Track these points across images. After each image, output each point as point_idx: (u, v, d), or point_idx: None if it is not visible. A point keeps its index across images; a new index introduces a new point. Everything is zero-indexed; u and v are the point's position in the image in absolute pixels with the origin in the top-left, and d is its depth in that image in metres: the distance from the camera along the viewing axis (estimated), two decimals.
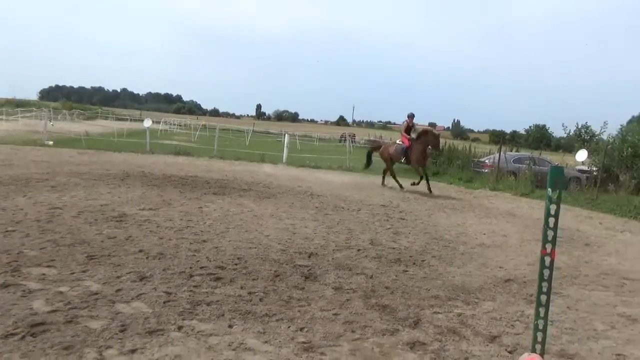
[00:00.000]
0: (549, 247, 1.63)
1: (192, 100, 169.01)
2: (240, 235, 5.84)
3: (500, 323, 3.81)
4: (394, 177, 13.24)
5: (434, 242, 6.50)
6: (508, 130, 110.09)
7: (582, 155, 14.99)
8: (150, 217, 6.29)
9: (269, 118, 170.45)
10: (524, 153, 23.72)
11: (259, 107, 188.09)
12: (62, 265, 4.17)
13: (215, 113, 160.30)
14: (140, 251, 4.75)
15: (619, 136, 17.07)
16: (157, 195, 7.99)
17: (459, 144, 24.18)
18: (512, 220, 9.09)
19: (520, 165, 17.89)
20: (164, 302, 3.54)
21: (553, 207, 1.60)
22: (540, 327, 1.63)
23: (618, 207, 12.03)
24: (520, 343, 3.40)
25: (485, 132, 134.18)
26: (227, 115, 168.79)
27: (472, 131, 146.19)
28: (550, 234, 1.62)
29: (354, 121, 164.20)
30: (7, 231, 5.04)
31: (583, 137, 21.42)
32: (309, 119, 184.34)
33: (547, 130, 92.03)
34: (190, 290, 3.84)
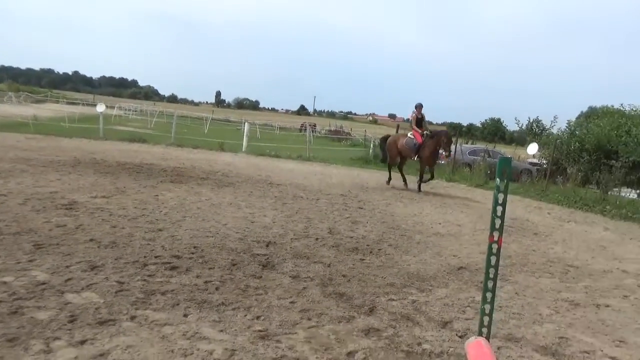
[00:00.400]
0: (496, 234, 1.69)
1: (148, 86, 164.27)
2: (197, 223, 5.76)
3: (452, 309, 3.94)
4: (389, 170, 12.63)
5: (390, 231, 6.62)
6: (465, 123, 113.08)
7: (533, 148, 15.61)
8: (103, 206, 6.09)
9: (228, 106, 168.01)
10: (479, 145, 24.48)
11: (218, 94, 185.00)
12: (7, 254, 3.98)
13: (173, 99, 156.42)
14: (92, 240, 4.60)
15: (567, 131, 17.84)
16: (110, 182, 7.74)
17: None
18: (467, 210, 9.36)
19: (475, 157, 18.45)
20: (116, 292, 3.44)
21: (501, 197, 1.65)
22: (487, 311, 1.69)
23: (565, 199, 12.62)
24: (471, 328, 3.52)
25: (444, 124, 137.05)
26: (185, 101, 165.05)
27: (431, 123, 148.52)
28: (498, 222, 1.68)
29: (315, 111, 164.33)
30: None
31: (535, 131, 22.25)
32: (270, 108, 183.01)
33: (501, 123, 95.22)
34: (144, 280, 3.76)
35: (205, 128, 32.97)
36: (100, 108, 18.14)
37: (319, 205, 7.99)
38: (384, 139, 13.16)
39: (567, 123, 18.66)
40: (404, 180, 12.27)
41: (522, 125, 22.31)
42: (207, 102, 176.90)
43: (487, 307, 1.70)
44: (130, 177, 8.47)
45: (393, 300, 3.99)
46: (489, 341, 1.61)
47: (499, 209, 1.64)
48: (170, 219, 5.80)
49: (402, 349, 3.09)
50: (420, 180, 11.81)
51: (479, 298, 4.17)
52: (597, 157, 14.19)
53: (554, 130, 19.65)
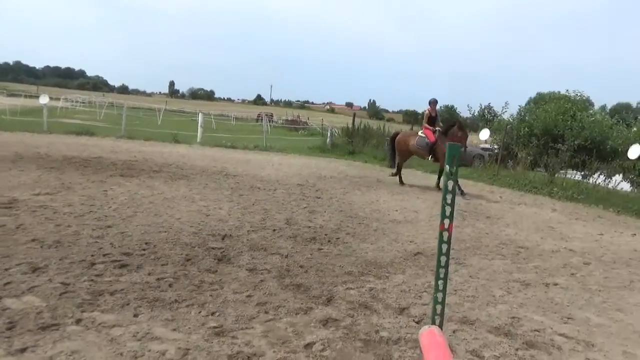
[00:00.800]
0: (446, 222, 1.66)
1: (97, 76, 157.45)
2: (149, 219, 5.55)
3: (409, 295, 3.98)
4: (399, 169, 11.49)
5: (348, 220, 6.63)
6: (420, 110, 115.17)
7: (485, 134, 16.02)
8: (47, 203, 5.77)
9: (183, 96, 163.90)
10: None
11: (172, 84, 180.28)
12: None
13: (123, 90, 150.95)
14: (34, 240, 4.34)
15: (517, 116, 18.42)
16: (55, 178, 7.36)
17: (374, 124, 24.84)
18: (423, 196, 9.52)
19: None
20: (60, 294, 3.26)
21: (450, 183, 1.62)
22: (440, 299, 1.68)
23: (516, 182, 13.06)
24: (427, 313, 3.57)
25: (400, 112, 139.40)
26: (137, 92, 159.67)
27: (387, 111, 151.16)
28: (448, 209, 1.65)
29: (272, 100, 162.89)
30: None
31: (486, 117, 22.87)
32: (226, 98, 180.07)
33: (455, 110, 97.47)
34: (91, 280, 3.58)
35: (159, 119, 32.00)
36: (44, 100, 17.22)
37: (276, 196, 7.90)
38: (393, 139, 12.05)
39: (518, 108, 19.29)
40: (400, 176, 11.46)
41: (474, 112, 22.91)
42: (160, 92, 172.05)
43: (440, 295, 1.68)
44: (77, 172, 8.09)
45: (351, 289, 3.98)
46: (442, 329, 1.60)
47: (449, 196, 1.62)
48: (120, 215, 5.57)
49: (360, 337, 3.09)
50: (440, 179, 10.91)
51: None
52: (545, 141, 14.75)
53: (505, 116, 20.27)
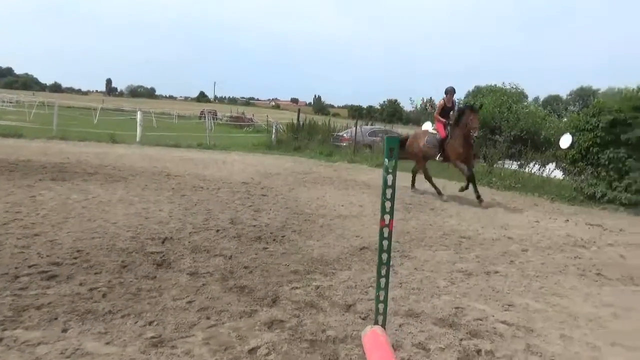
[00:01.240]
0: (387, 218, 1.60)
1: (26, 74, 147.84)
2: (82, 225, 5.22)
3: (355, 291, 3.95)
4: (430, 181, 10.04)
5: (294, 217, 6.55)
6: (365, 105, 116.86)
7: (427, 127, 16.42)
8: None
9: (121, 94, 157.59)
10: (379, 126, 25.36)
11: (109, 82, 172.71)
12: None
13: (56, 88, 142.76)
14: None
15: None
16: None
17: (320, 119, 24.88)
18: (368, 190, 9.59)
19: (375, 138, 19.06)
20: None
21: (390, 178, 1.56)
22: (382, 298, 1.62)
23: (458, 173, 13.44)
24: (374, 308, 3.54)
25: (344, 107, 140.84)
26: (71, 90, 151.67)
27: (332, 106, 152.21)
28: (388, 204, 1.59)
29: (215, 97, 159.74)
30: None
31: (429, 111, 23.45)
32: (168, 95, 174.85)
33: (399, 104, 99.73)
34: (15, 295, 3.29)
35: (95, 119, 30.50)
36: None
37: (220, 195, 7.69)
38: (403, 143, 10.12)
39: (457, 102, 19.88)
40: (413, 182, 10.47)
41: (417, 106, 23.44)
42: (96, 90, 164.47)
43: (382, 293, 1.62)
44: (2, 177, 7.50)
45: (297, 288, 3.90)
46: (384, 328, 1.54)
47: (389, 191, 1.55)
48: (50, 222, 5.20)
49: (306, 338, 3.01)
50: (476, 188, 9.20)
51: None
52: (484, 133, 15.28)
53: None
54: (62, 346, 2.67)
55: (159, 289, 3.63)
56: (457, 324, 3.43)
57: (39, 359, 2.54)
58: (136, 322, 3.04)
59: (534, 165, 14.00)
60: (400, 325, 3.31)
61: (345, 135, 19.44)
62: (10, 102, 43.69)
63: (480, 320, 3.55)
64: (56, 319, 3.00)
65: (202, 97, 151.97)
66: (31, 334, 2.78)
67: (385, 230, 1.56)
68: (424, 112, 23.79)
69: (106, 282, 3.66)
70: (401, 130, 30.46)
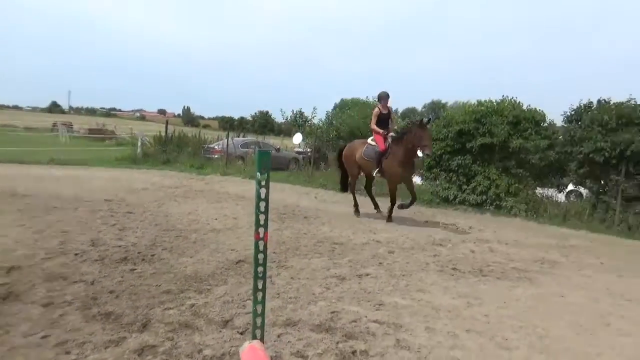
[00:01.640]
0: (261, 231, 1.59)
1: None
2: None
3: (232, 306, 3.86)
4: (354, 194, 9.56)
5: (164, 234, 6.21)
6: (236, 116, 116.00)
7: (297, 138, 16.90)
8: None
9: None
10: (251, 138, 25.35)
11: None
12: None
13: None
14: None
15: (326, 121, 19.79)
16: None
17: (190, 131, 24.06)
18: (242, 202, 9.50)
19: (247, 149, 18.99)
20: None
21: (263, 191, 1.56)
22: (259, 312, 1.61)
23: (328, 182, 14.00)
24: (252, 323, 3.51)
25: (215, 118, 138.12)
26: None
27: (202, 118, 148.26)
28: (262, 217, 1.59)
29: (71, 108, 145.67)
30: None
31: (298, 122, 24.09)
32: (12, 105, 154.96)
33: (270, 116, 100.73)
34: None
35: None
36: None
37: (79, 215, 6.99)
38: (340, 152, 9.81)
39: (326, 113, 20.75)
40: (374, 204, 9.67)
41: (287, 117, 23.90)
42: None
43: (259, 307, 1.61)
44: None
45: (170, 309, 3.70)
46: (263, 341, 1.53)
47: (262, 204, 1.55)
48: None
49: None
50: (392, 207, 8.62)
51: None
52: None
53: (315, 121, 21.60)
54: None
55: (5, 326, 3.17)
56: (333, 328, 3.55)
57: None
58: None
59: None
60: (278, 336, 3.32)
61: (216, 147, 19.05)
62: None
63: (355, 321, 3.72)
64: None
65: (54, 108, 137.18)
66: None
67: (261, 244, 1.56)
68: (295, 123, 24.39)
69: None
70: (273, 141, 30.85)
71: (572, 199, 12.50)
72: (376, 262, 5.67)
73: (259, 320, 1.59)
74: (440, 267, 5.68)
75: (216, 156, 18.01)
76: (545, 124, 12.08)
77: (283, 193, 11.36)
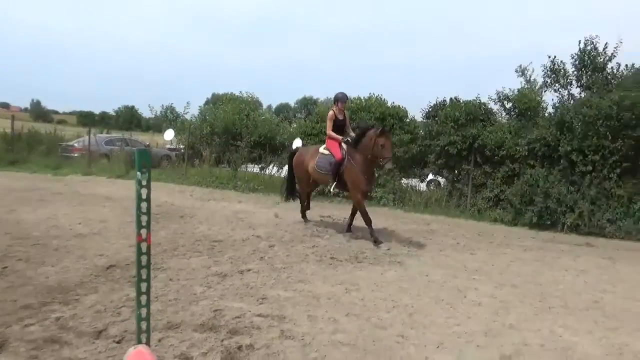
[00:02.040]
0: (144, 232, 1.54)
1: None
2: None
3: (105, 314, 3.61)
4: (303, 205, 8.42)
5: (18, 243, 5.53)
6: (97, 111, 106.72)
7: (169, 134, 16.15)
8: None
9: None
10: (116, 134, 23.56)
11: None
12: None
13: None
14: None
15: (199, 116, 19.17)
16: None
17: (42, 127, 21.57)
18: (110, 204, 8.84)
19: (112, 147, 17.64)
20: None
21: (144, 191, 1.51)
22: (144, 315, 1.55)
23: (203, 179, 13.65)
24: (128, 329, 3.31)
25: (72, 113, 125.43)
26: None
27: (56, 112, 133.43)
28: (144, 218, 1.53)
29: None
30: None
31: (169, 118, 22.96)
32: None
33: (136, 111, 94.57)
34: None
35: None
36: None
37: None
38: (291, 158, 8.52)
39: (199, 108, 20.08)
40: (304, 211, 8.51)
41: (157, 112, 22.68)
42: None
43: (144, 310, 1.55)
44: None
45: (31, 325, 3.33)
46: (149, 345, 1.48)
47: (144, 204, 1.50)
48: None
49: None
50: (371, 227, 7.10)
51: (133, 294, 3.98)
52: (226, 139, 15.86)
53: (188, 117, 20.80)
54: None
55: None
56: (217, 326, 3.51)
57: None
58: None
59: (272, 168, 15.28)
60: (160, 340, 3.18)
61: (76, 145, 17.34)
62: None
63: (239, 317, 3.72)
64: None
65: None
66: None
67: (144, 245, 1.50)
68: (165, 118, 23.25)
69: None
70: (142, 137, 29.04)
71: (432, 187, 13.79)
72: (257, 257, 5.70)
73: (144, 324, 1.54)
74: (319, 257, 5.91)
75: (76, 155, 16.43)
76: (408, 120, 13.17)
77: (156, 192, 10.78)
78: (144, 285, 1.55)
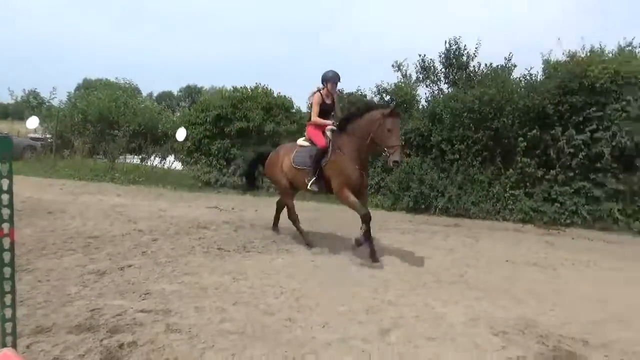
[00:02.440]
0: (5, 227, 1.43)
1: None
2: None
3: None
4: (295, 223, 6.65)
5: None
6: (5, 100, 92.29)
7: (33, 122, 14.63)
8: None
9: None
10: None
11: None
12: None
13: None
14: None
15: (69, 103, 17.56)
16: None
17: None
18: None
19: None
20: None
21: (5, 182, 1.40)
22: (9, 316, 1.45)
23: (76, 172, 12.62)
24: None
25: None
26: None
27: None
28: (6, 212, 1.43)
29: None
30: None
31: (32, 104, 20.69)
32: None
33: None
34: None
35: None
36: None
37: None
38: (257, 160, 7.32)
39: (67, 94, 18.37)
40: (276, 219, 7.26)
41: (17, 98, 20.33)
42: None
43: (8, 311, 1.45)
44: None
45: None
46: (16, 350, 1.39)
47: (5, 196, 1.40)
48: None
49: None
50: (367, 226, 5.75)
51: None
52: (101, 128, 14.79)
53: (55, 103, 18.92)
54: None
55: None
56: (95, 326, 3.32)
57: None
58: None
59: (155, 158, 14.59)
60: (28, 346, 2.92)
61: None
62: None
63: (119, 315, 3.55)
64: None
65: None
66: None
67: (6, 241, 1.40)
68: (27, 104, 20.90)
69: None
70: (0, 125, 25.73)
71: None
72: (139, 252, 5.45)
73: (9, 326, 1.44)
74: (206, 249, 5.82)
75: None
76: (294, 110, 13.38)
77: (19, 186, 9.73)
78: (7, 284, 1.45)
